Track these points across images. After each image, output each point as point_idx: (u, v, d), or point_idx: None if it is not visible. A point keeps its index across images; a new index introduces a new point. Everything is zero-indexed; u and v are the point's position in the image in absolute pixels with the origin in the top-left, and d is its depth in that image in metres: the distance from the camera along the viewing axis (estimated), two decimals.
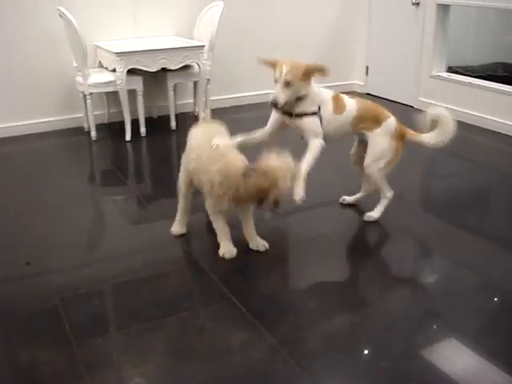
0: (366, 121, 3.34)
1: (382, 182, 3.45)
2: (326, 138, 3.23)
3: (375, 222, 3.49)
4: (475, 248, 3.29)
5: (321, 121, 3.21)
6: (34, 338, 2.51)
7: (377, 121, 3.35)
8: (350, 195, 3.73)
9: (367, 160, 3.38)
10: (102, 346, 2.45)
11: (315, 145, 3.17)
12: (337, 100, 3.30)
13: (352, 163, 3.64)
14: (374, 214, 3.51)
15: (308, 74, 3.10)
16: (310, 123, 3.19)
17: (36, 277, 2.99)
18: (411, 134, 3.46)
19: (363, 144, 3.46)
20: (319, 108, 3.22)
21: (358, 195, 3.72)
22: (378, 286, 2.96)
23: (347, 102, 3.33)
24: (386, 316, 2.66)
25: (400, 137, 3.40)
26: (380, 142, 3.35)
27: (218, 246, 3.12)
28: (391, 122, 3.39)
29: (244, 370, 2.30)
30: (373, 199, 3.54)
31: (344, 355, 2.39)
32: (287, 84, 3.06)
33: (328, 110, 3.25)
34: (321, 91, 3.25)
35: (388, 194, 3.49)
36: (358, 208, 3.70)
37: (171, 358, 2.37)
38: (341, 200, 3.75)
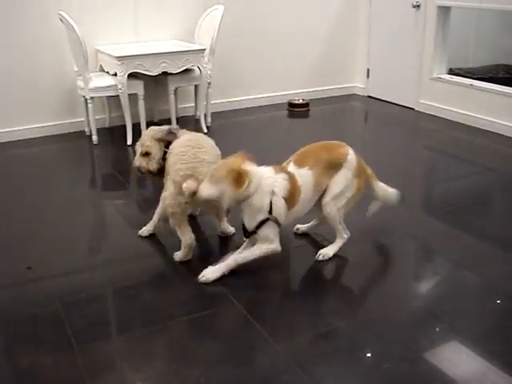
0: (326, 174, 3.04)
1: (340, 222, 3.15)
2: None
3: (377, 224, 3.49)
4: (477, 250, 3.28)
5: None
6: (36, 342, 2.51)
7: (337, 165, 3.06)
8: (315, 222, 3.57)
9: (326, 198, 3.06)
10: (103, 350, 2.45)
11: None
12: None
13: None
14: (329, 251, 3.16)
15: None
16: None
17: (37, 281, 2.99)
18: (372, 174, 3.21)
19: None
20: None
21: (311, 223, 3.42)
22: (380, 288, 2.96)
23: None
24: (389, 319, 2.65)
25: (361, 173, 3.13)
26: (340, 179, 3.06)
27: (217, 244, 3.12)
28: (350, 158, 3.07)
29: (246, 374, 2.30)
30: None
31: (347, 359, 2.38)
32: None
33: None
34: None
35: (344, 235, 3.19)
36: (355, 211, 3.69)
37: (173, 362, 2.37)
38: (294, 229, 3.42)
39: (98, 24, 5.33)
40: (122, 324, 2.66)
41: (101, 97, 5.23)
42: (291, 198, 2.92)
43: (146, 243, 3.37)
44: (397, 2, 6.15)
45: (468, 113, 5.54)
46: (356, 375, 2.30)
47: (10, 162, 4.83)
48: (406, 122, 5.90)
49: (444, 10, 5.76)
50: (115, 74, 4.98)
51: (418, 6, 5.90)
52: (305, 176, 2.97)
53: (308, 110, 6.16)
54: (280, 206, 2.88)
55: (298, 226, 3.42)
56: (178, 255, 3.13)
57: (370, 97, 6.70)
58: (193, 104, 5.86)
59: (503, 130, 5.23)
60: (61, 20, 4.86)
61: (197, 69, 5.33)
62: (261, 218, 2.87)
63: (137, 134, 5.13)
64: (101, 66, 5.34)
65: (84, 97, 5.08)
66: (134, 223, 3.70)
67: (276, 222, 2.90)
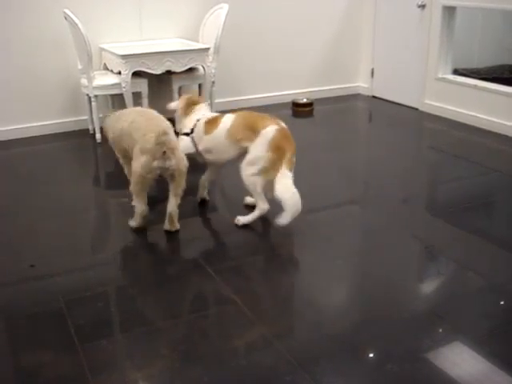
0: (241, 132, 3.39)
1: (256, 191, 3.36)
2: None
3: (379, 226, 3.48)
4: (481, 251, 3.27)
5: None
6: (39, 340, 2.51)
7: (254, 130, 3.33)
8: (352, 200, 3.67)
9: (242, 163, 3.37)
10: (106, 348, 2.45)
11: None
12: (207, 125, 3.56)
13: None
14: (242, 218, 3.44)
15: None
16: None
17: (41, 279, 2.99)
18: (288, 161, 3.26)
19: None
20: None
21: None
22: (382, 288, 2.95)
23: (222, 120, 3.51)
24: (392, 319, 2.64)
25: (277, 148, 3.26)
26: (254, 149, 3.32)
27: (219, 247, 3.11)
28: (270, 131, 3.30)
29: (249, 374, 2.29)
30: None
31: (350, 359, 2.38)
32: None
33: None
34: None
35: (262, 205, 3.39)
36: (360, 211, 3.69)
37: (176, 361, 2.36)
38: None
39: (102, 22, 5.33)
40: (124, 322, 2.66)
41: (105, 95, 5.23)
42: (208, 127, 3.54)
43: (150, 242, 3.37)
44: (402, 1, 6.14)
45: (473, 113, 5.52)
46: (358, 375, 2.30)
47: (13, 160, 4.83)
48: (411, 123, 5.89)
49: (449, 10, 5.74)
50: (119, 73, 4.98)
51: (423, 6, 5.88)
52: (227, 119, 3.49)
53: (312, 109, 6.15)
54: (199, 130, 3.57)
55: (246, 197, 3.67)
56: (132, 223, 3.42)
57: (374, 97, 6.69)
58: None
59: (508, 131, 5.21)
60: (65, 18, 4.86)
61: (201, 68, 5.33)
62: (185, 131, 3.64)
63: None
64: (105, 64, 5.34)
65: (88, 95, 5.08)
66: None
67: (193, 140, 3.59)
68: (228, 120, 3.48)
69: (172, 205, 3.32)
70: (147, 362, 2.36)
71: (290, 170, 3.27)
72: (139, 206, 3.33)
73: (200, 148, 3.57)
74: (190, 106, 3.73)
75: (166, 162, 3.18)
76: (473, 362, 2.37)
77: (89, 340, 2.48)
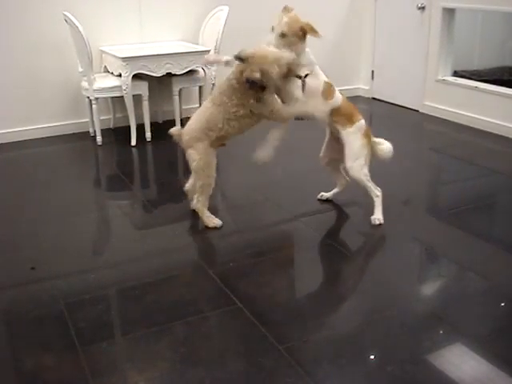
0: (342, 116, 3.43)
1: (368, 181, 3.47)
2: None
3: (381, 227, 3.48)
4: (482, 253, 3.27)
5: (302, 88, 3.31)
6: (40, 343, 2.50)
7: (350, 120, 3.42)
8: (353, 201, 3.72)
9: (348, 163, 3.43)
10: (107, 351, 2.45)
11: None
12: (328, 85, 3.44)
13: (323, 165, 3.71)
14: (376, 215, 3.51)
15: (304, 31, 3.29)
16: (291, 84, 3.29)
17: (41, 282, 2.99)
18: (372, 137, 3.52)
19: (332, 145, 3.60)
20: (305, 75, 3.32)
21: (334, 191, 3.80)
22: (383, 290, 2.95)
23: (336, 93, 3.47)
24: (392, 321, 2.64)
25: (368, 135, 3.47)
26: (354, 141, 3.41)
27: (220, 248, 3.12)
28: (362, 122, 3.46)
29: (250, 376, 2.29)
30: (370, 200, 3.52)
31: (350, 361, 2.37)
32: (283, 35, 3.24)
33: (314, 84, 3.36)
34: (313, 62, 3.48)
35: (377, 192, 3.51)
36: (360, 212, 3.69)
37: (177, 364, 2.36)
38: (319, 196, 3.81)
39: (102, 25, 5.34)
40: (125, 325, 2.66)
41: (105, 97, 5.23)
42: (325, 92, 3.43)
43: (150, 244, 3.37)
44: (402, 3, 6.15)
45: (473, 115, 5.53)
46: (359, 377, 2.29)
47: (14, 163, 4.83)
48: (411, 124, 5.89)
49: (449, 12, 5.74)
50: (120, 75, 4.99)
51: (423, 8, 5.89)
52: (338, 96, 3.50)
53: None
54: (314, 83, 3.40)
55: (322, 193, 3.82)
56: None
57: (374, 98, 6.69)
58: (197, 105, 5.84)
59: (508, 133, 5.21)
60: (66, 21, 4.87)
61: (201, 70, 5.33)
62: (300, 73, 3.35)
63: (141, 135, 5.15)
64: (105, 66, 5.35)
65: (88, 97, 5.09)
66: (138, 224, 3.70)
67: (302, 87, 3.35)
68: (338, 94, 3.52)
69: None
70: (148, 364, 2.36)
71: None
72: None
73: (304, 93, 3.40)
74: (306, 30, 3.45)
75: None
76: (474, 363, 2.37)
77: (89, 342, 2.48)
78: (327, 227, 3.57)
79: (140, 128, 5.14)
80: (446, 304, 2.78)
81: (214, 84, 5.47)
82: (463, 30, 6.34)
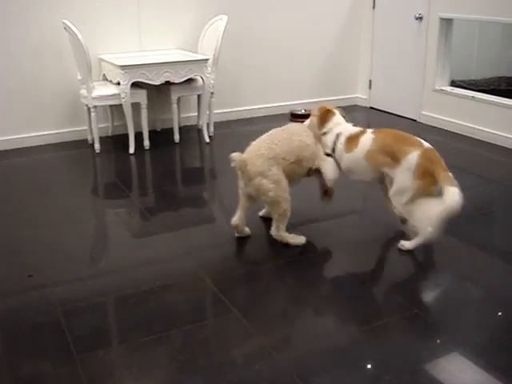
0: (383, 158, 3.22)
1: (413, 218, 3.20)
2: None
3: (379, 236, 3.48)
4: (479, 262, 3.27)
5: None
6: (37, 350, 2.50)
7: (394, 158, 3.17)
8: (352, 210, 3.69)
9: (390, 193, 3.28)
10: (104, 359, 2.44)
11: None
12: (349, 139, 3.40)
13: (386, 205, 3.50)
14: (406, 244, 3.29)
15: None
16: None
17: (39, 289, 2.98)
18: (443, 174, 3.07)
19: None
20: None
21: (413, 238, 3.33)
22: (381, 299, 2.95)
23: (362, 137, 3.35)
24: (390, 330, 2.64)
25: (424, 175, 3.09)
26: (399, 179, 3.17)
27: (218, 258, 3.11)
28: (411, 158, 3.11)
29: None
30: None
31: (348, 370, 2.37)
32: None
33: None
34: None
35: (424, 230, 3.17)
36: (359, 222, 3.69)
37: (174, 372, 2.36)
38: (399, 246, 3.33)
39: (101, 33, 5.36)
40: (122, 333, 2.66)
41: (104, 105, 5.25)
42: (349, 144, 3.37)
43: (148, 252, 3.37)
44: (399, 13, 6.18)
45: (470, 125, 5.55)
46: None
47: (12, 170, 4.83)
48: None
49: (446, 22, 5.78)
50: (118, 83, 5.00)
51: (421, 18, 5.92)
52: (367, 139, 3.31)
53: None
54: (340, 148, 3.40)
55: (403, 242, 3.32)
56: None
57: (372, 108, 6.72)
58: (195, 113, 5.87)
59: (505, 142, 5.23)
60: (65, 29, 4.89)
61: (200, 78, 5.35)
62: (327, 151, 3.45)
63: (139, 143, 5.16)
64: (104, 74, 5.36)
65: (87, 105, 5.10)
66: (135, 232, 3.70)
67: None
68: (367, 141, 3.30)
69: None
70: (145, 372, 2.36)
71: (453, 185, 3.05)
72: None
73: (342, 167, 3.42)
74: (326, 116, 3.49)
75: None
76: (471, 372, 2.37)
77: (86, 350, 2.47)
78: (325, 237, 3.57)
79: (138, 136, 5.15)
80: (443, 313, 2.78)
81: (212, 92, 5.49)
82: (460, 40, 6.38)
